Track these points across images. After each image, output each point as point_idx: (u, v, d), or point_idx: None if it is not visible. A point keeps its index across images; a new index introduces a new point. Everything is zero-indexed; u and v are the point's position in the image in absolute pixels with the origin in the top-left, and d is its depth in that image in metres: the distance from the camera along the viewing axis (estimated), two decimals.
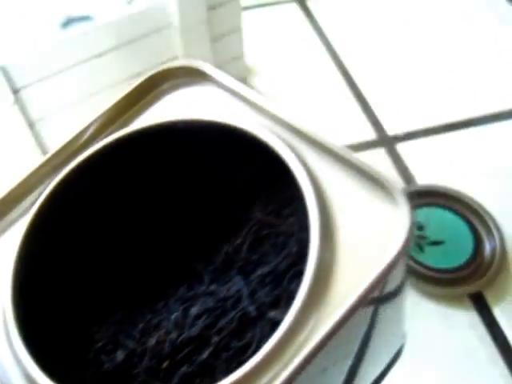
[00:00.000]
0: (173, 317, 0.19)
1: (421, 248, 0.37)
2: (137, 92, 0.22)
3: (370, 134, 0.46)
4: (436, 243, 0.38)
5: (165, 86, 0.22)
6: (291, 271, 0.17)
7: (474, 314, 0.35)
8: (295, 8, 0.60)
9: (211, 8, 0.43)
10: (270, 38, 0.56)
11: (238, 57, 0.49)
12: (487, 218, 0.38)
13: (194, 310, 0.19)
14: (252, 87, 0.50)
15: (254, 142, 0.18)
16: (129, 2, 0.40)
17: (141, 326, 0.20)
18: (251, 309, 0.18)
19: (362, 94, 0.49)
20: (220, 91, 0.21)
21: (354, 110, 0.48)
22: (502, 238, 0.37)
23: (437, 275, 0.36)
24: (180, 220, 0.22)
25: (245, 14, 0.47)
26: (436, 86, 0.50)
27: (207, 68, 0.21)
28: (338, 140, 0.44)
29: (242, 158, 0.20)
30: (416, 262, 0.37)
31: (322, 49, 0.54)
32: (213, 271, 0.20)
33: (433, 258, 0.37)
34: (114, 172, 0.21)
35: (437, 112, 0.48)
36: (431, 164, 0.43)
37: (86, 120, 0.21)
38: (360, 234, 0.16)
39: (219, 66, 0.46)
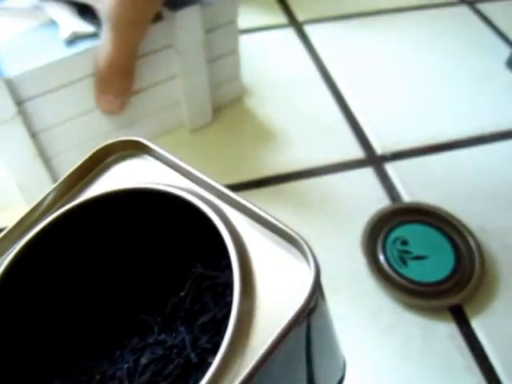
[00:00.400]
0: (125, 366, 0.21)
1: (404, 262, 0.39)
2: (85, 165, 0.24)
3: (360, 154, 0.48)
4: (419, 258, 0.40)
5: (110, 159, 0.25)
6: (228, 318, 0.19)
7: (453, 325, 0.37)
8: (291, 32, 0.62)
9: (209, 31, 0.45)
10: (266, 61, 0.58)
11: (234, 77, 0.52)
12: (468, 235, 0.40)
13: (144, 359, 0.21)
14: (247, 106, 0.52)
15: (190, 206, 0.21)
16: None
17: (98, 377, 0.21)
18: (193, 355, 0.19)
19: (353, 116, 0.52)
20: (157, 162, 0.24)
21: (344, 130, 0.50)
22: (481, 255, 0.39)
23: (419, 288, 0.38)
24: (133, 279, 0.24)
25: (242, 37, 0.49)
26: (423, 111, 0.52)
27: (145, 142, 0.24)
28: (329, 158, 0.46)
29: (182, 220, 0.23)
30: (400, 275, 0.38)
31: (316, 72, 0.57)
32: (162, 322, 0.22)
33: (416, 272, 0.39)
34: (65, 240, 0.23)
35: (424, 134, 0.50)
36: (417, 183, 0.45)
37: (47, 189, 0.23)
38: (275, 287, 0.19)
39: (215, 86, 0.48)
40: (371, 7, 0.66)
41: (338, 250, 0.40)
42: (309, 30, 0.62)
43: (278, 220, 0.20)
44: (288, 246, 0.20)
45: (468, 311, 0.37)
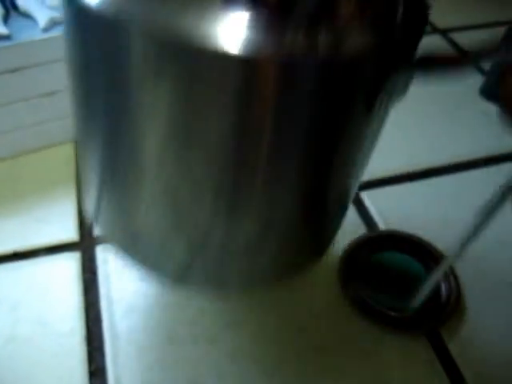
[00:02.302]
0: None
1: (381, 289, 0.40)
2: None
3: None
4: (395, 284, 0.40)
5: None
6: None
7: (430, 350, 0.37)
8: None
9: None
10: None
11: None
12: (444, 262, 0.41)
13: None
14: None
15: None
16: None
17: None
18: None
19: None
20: None
21: None
22: (456, 281, 0.40)
23: (397, 315, 0.38)
24: None
25: None
26: (398, 139, 0.54)
27: None
28: None
29: None
30: (377, 302, 0.39)
31: None
32: None
33: (393, 299, 0.39)
34: None
35: (399, 162, 0.51)
36: (392, 211, 0.46)
37: None
38: None
39: None
40: None
41: (316, 277, 0.41)
42: None
43: None
44: None
45: (445, 336, 0.38)
